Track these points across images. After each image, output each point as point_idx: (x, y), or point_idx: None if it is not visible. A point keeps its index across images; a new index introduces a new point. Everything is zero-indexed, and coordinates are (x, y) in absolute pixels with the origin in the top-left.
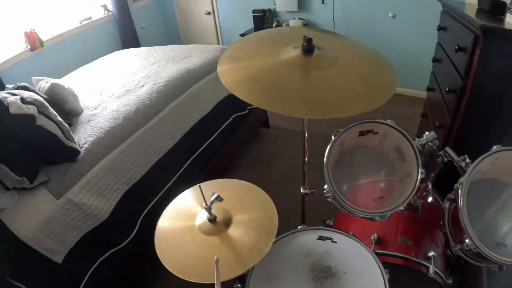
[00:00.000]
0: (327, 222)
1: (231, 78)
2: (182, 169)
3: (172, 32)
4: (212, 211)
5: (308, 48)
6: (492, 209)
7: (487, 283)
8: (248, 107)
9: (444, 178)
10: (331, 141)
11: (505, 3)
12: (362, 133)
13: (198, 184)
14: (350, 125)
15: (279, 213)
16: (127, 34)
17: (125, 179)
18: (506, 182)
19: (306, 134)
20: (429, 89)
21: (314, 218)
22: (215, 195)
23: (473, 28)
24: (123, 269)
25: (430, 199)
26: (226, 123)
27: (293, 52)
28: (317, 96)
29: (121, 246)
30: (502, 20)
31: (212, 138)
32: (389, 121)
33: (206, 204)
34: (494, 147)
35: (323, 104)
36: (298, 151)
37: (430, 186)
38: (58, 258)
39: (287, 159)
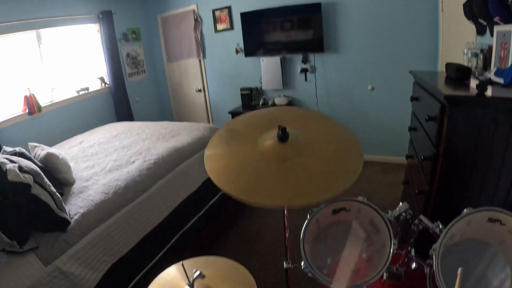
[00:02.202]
0: None
1: (213, 169)
2: (169, 244)
3: (164, 107)
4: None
5: (283, 136)
6: (480, 265)
7: None
8: None
9: (428, 243)
10: (306, 220)
11: (469, 69)
12: (335, 211)
13: (181, 262)
14: (323, 206)
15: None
16: (122, 107)
17: (112, 251)
18: (487, 241)
19: (285, 212)
20: (408, 156)
21: None
22: (198, 272)
23: (440, 98)
24: None
25: (413, 265)
26: (213, 200)
27: (270, 140)
28: (294, 184)
29: None
30: (467, 85)
31: (199, 214)
32: (360, 198)
33: (189, 280)
34: (465, 210)
35: (300, 191)
36: (281, 227)
37: (412, 252)
38: None
39: (274, 233)
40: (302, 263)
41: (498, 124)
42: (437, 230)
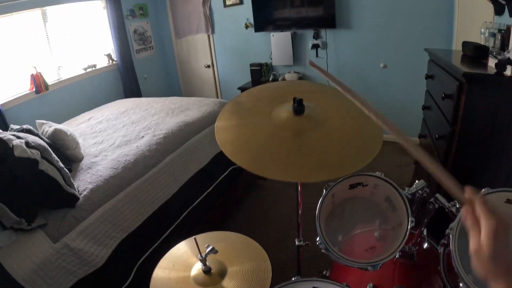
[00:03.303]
0: (324, 273)
1: (225, 140)
2: (179, 220)
3: (172, 83)
4: (207, 263)
5: (299, 109)
6: None
7: None
8: None
9: (440, 223)
10: (322, 195)
11: (487, 48)
12: (352, 186)
13: (193, 237)
14: (340, 179)
15: (275, 265)
16: (129, 84)
17: (122, 227)
18: None
19: (300, 188)
20: (420, 136)
21: (311, 269)
22: (210, 247)
23: (457, 75)
24: None
25: (425, 245)
26: (223, 175)
27: (284, 112)
28: (310, 159)
29: None
30: (485, 65)
31: (209, 190)
32: (378, 173)
33: (201, 256)
34: (483, 190)
35: (315, 167)
36: (294, 203)
37: (425, 232)
38: None
39: (283, 210)
40: (318, 239)
41: None
42: (454, 209)
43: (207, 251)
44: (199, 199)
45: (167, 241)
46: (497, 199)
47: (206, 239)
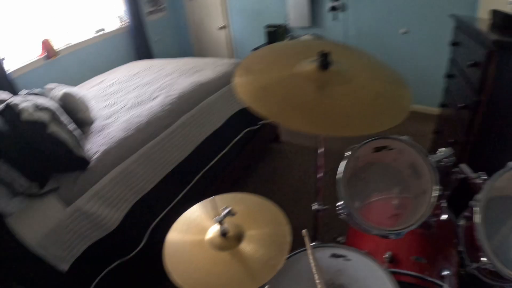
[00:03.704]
0: (339, 239)
1: (246, 89)
2: (192, 182)
3: (185, 46)
4: (224, 226)
5: (325, 62)
6: (506, 226)
7: None
8: (260, 122)
9: (457, 195)
10: (347, 156)
11: None
12: (377, 149)
13: (213, 197)
14: (367, 141)
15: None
16: (141, 47)
17: (135, 189)
18: None
19: (322, 150)
20: (442, 105)
21: (323, 235)
22: (228, 209)
23: (487, 43)
24: (129, 280)
25: (444, 217)
26: (237, 138)
27: (309, 66)
28: (334, 113)
29: (128, 256)
30: None
31: (223, 152)
32: (404, 137)
33: (219, 218)
34: (510, 163)
35: (339, 121)
36: (308, 168)
37: (444, 204)
38: (64, 266)
39: (297, 175)
40: (340, 203)
41: None
42: (479, 181)
43: (225, 213)
44: (213, 162)
45: (181, 204)
46: None
47: (222, 201)
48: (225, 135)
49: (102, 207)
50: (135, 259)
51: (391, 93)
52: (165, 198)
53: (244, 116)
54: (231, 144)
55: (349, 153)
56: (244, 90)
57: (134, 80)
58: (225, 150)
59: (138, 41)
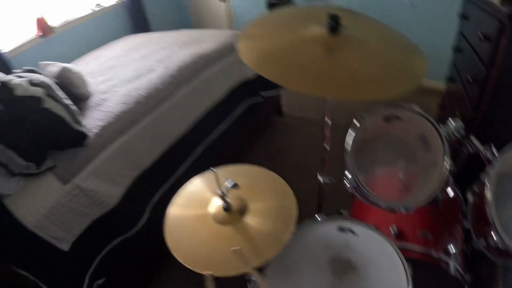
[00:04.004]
0: (342, 212)
1: (251, 54)
2: (193, 156)
3: (184, 19)
4: (227, 199)
5: (335, 26)
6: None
7: (502, 284)
8: (263, 94)
9: (461, 170)
10: (355, 127)
11: None
12: (387, 119)
13: (212, 169)
14: (376, 109)
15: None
16: (139, 20)
17: (135, 165)
18: None
19: (328, 120)
20: (449, 79)
21: (326, 208)
22: (232, 182)
23: (499, 16)
24: (132, 257)
25: (451, 193)
26: (238, 110)
27: (318, 30)
28: (344, 76)
29: (130, 233)
30: None
31: (224, 125)
32: (415, 107)
33: (221, 191)
34: None
35: (349, 85)
36: (312, 140)
37: (451, 179)
38: (65, 246)
39: (300, 148)
40: (348, 175)
41: None
42: (489, 155)
43: (228, 186)
44: (215, 135)
45: (182, 178)
46: None
47: (225, 173)
48: (226, 108)
49: (101, 184)
50: (137, 236)
51: (404, 60)
52: (166, 173)
53: (245, 88)
54: (232, 117)
55: (357, 123)
56: (249, 54)
57: (131, 54)
58: (226, 123)
59: (136, 14)
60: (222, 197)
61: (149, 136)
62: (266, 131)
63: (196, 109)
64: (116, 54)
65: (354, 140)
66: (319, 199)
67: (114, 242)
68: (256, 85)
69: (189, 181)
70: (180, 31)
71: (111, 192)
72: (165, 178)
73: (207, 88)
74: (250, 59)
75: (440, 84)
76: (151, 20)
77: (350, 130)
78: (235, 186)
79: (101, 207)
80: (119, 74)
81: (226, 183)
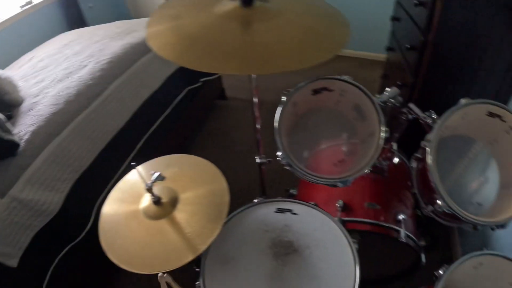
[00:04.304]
0: (290, 191)
1: (162, 42)
2: (135, 151)
3: (121, 11)
4: (155, 192)
5: None
6: (459, 166)
7: (459, 242)
8: (201, 79)
9: (408, 137)
10: (283, 101)
11: None
12: (316, 92)
13: (133, 163)
14: (302, 84)
15: (242, 187)
16: (73, 15)
17: (72, 167)
18: (474, 137)
19: (255, 99)
20: (388, 49)
21: (278, 188)
22: (156, 174)
23: None
24: (85, 262)
25: (396, 160)
26: (179, 98)
27: (230, 4)
28: (261, 50)
29: (78, 239)
30: None
31: (165, 114)
32: (345, 77)
33: (147, 185)
34: (462, 100)
35: (267, 58)
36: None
37: (395, 147)
38: (13, 262)
39: (246, 130)
40: (279, 153)
41: (495, 17)
42: (429, 121)
43: (153, 179)
44: (156, 125)
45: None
46: (478, 110)
47: (157, 165)
48: (165, 97)
49: (39, 192)
50: (85, 241)
51: (324, 28)
52: (108, 171)
53: (184, 75)
54: (172, 105)
55: (284, 98)
56: (160, 42)
57: (64, 51)
58: (167, 113)
59: (70, 9)
60: (149, 190)
61: (85, 135)
62: (211, 116)
63: (132, 102)
64: (48, 54)
65: (282, 116)
66: (261, 180)
67: (64, 251)
68: (194, 70)
69: (122, 178)
70: (114, 23)
71: (52, 199)
72: (109, 176)
73: (142, 78)
74: (162, 48)
75: (382, 56)
76: (86, 13)
77: (278, 107)
78: (160, 178)
79: (44, 216)
80: (51, 74)
81: (151, 176)
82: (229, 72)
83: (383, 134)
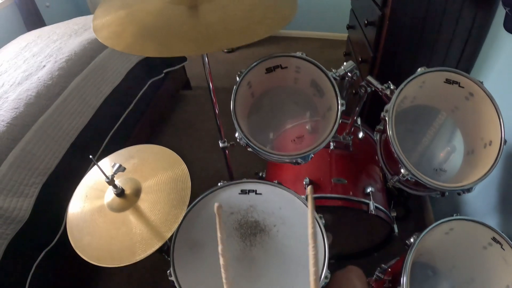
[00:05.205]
0: (260, 174)
1: (110, 32)
2: (102, 147)
3: (80, 7)
4: (118, 184)
5: None
6: (426, 137)
7: (432, 211)
8: (164, 71)
9: (374, 113)
10: (236, 83)
11: None
12: (269, 70)
13: (90, 157)
14: (254, 63)
15: (211, 174)
16: (30, 16)
17: (39, 171)
18: (437, 107)
19: (210, 82)
20: (349, 27)
21: (250, 172)
22: (116, 166)
23: None
24: (64, 266)
25: (361, 135)
26: (142, 91)
27: None
28: (209, 30)
29: (53, 243)
30: None
31: (129, 108)
32: (298, 53)
33: (107, 178)
34: (419, 69)
35: (216, 36)
36: (223, 108)
37: (359, 121)
38: None
39: (211, 117)
40: (237, 135)
41: None
42: (388, 92)
43: (114, 171)
44: (121, 120)
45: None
46: (436, 78)
47: (115, 159)
48: (128, 91)
49: (7, 199)
50: (61, 244)
51: (269, 3)
52: (76, 172)
53: (145, 67)
54: (136, 99)
55: (238, 78)
56: (108, 33)
57: (22, 54)
58: (131, 106)
59: (26, 10)
60: (110, 183)
61: (48, 137)
62: (177, 106)
63: (95, 98)
64: (7, 58)
65: (237, 97)
66: (227, 164)
67: (40, 257)
68: (156, 62)
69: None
70: (72, 20)
71: (21, 204)
72: (77, 177)
73: (102, 74)
74: (110, 39)
75: (345, 35)
76: (44, 13)
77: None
78: (121, 169)
79: (15, 223)
80: (10, 78)
81: (112, 168)
82: (179, 54)
83: (340, 108)
